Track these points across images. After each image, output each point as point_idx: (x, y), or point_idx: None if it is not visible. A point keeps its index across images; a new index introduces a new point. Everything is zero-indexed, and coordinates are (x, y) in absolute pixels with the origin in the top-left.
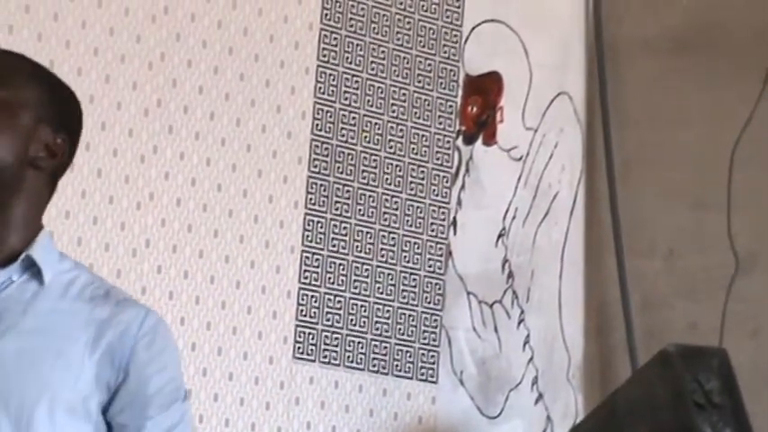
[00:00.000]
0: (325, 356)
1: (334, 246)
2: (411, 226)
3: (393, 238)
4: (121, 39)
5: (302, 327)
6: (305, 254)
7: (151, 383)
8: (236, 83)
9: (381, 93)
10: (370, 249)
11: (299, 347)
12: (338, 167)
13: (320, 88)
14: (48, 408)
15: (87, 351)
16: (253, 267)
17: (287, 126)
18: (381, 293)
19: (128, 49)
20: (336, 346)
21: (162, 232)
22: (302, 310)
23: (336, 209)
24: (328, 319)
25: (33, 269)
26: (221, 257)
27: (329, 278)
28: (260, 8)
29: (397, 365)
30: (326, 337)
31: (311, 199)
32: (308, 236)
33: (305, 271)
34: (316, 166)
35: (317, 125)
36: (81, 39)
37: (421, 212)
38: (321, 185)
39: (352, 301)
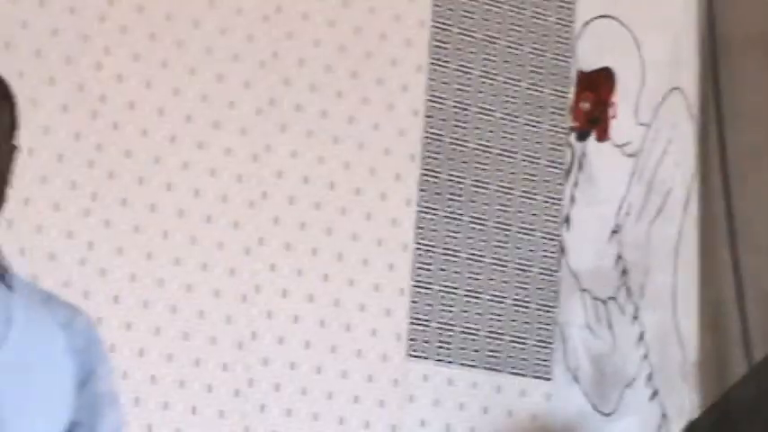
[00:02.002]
0: (438, 354)
1: (446, 243)
2: (524, 223)
3: (506, 234)
4: (234, 38)
5: (415, 324)
6: (418, 251)
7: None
8: (348, 80)
9: (493, 89)
10: (482, 246)
11: (412, 345)
12: (450, 164)
13: (432, 85)
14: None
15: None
16: (366, 265)
17: (399, 123)
18: (494, 290)
19: (240, 48)
20: (450, 343)
21: (275, 230)
22: (415, 308)
23: (449, 206)
24: (442, 317)
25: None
26: (334, 255)
27: (442, 275)
28: (371, 6)
29: (511, 362)
30: (440, 334)
31: (423, 196)
32: (420, 233)
33: (418, 268)
34: (428, 164)
35: (430, 122)
36: (193, 39)
37: (534, 209)
38: (433, 182)
39: (465, 299)
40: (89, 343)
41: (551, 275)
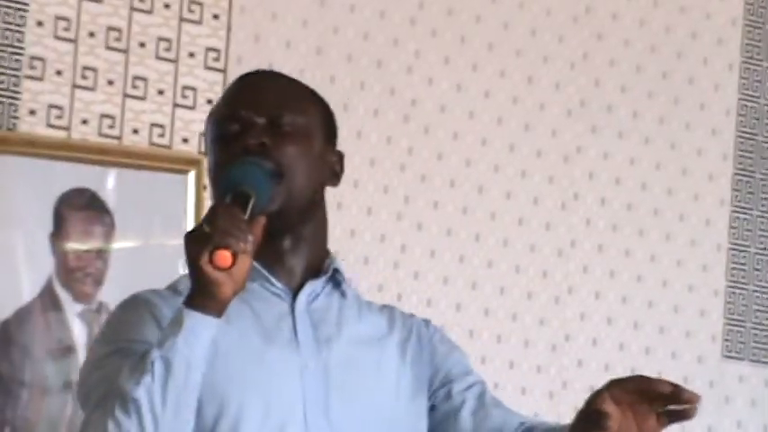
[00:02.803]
0: (754, 354)
1: (761, 242)
2: None
3: None
4: (543, 39)
5: (730, 325)
6: (731, 251)
7: (454, 356)
8: (659, 81)
9: None
10: None
11: (727, 346)
12: (764, 163)
13: (744, 84)
14: (371, 416)
15: (400, 357)
16: (679, 266)
17: (711, 123)
18: None
19: (550, 50)
20: (766, 343)
21: (587, 232)
22: (730, 309)
23: (763, 205)
24: (757, 317)
25: (333, 282)
26: (647, 256)
27: (757, 275)
28: (682, 5)
29: None
30: (755, 335)
31: (737, 196)
32: (734, 233)
33: (732, 269)
34: (741, 163)
35: (742, 122)
36: (503, 41)
37: None
38: (747, 182)
39: None
40: (420, 329)
41: None
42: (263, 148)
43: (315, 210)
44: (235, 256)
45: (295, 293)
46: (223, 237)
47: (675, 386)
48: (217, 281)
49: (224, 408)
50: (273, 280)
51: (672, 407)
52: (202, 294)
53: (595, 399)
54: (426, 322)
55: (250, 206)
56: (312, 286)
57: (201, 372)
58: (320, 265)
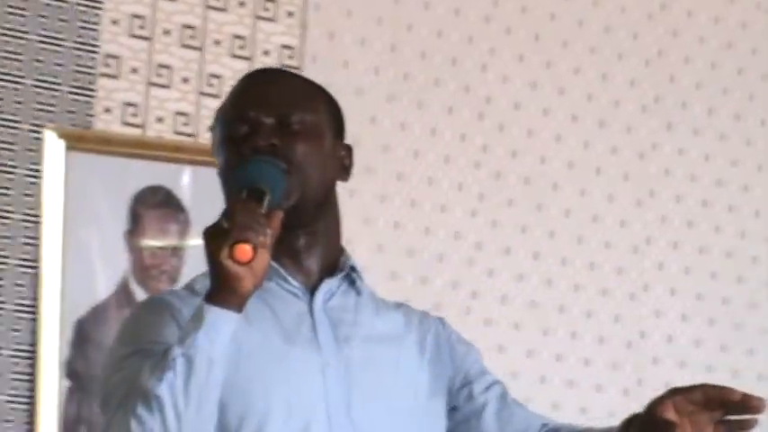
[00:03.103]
0: None
1: None
2: None
3: None
4: (618, 36)
5: None
6: None
7: (472, 356)
8: (734, 77)
9: None
10: None
11: None
12: None
13: None
14: (391, 414)
15: (418, 355)
16: (755, 263)
17: None
18: None
19: (624, 47)
20: None
21: (662, 229)
22: None
23: None
24: None
25: (348, 279)
26: (722, 253)
27: None
28: (758, 2)
29: None
30: None
31: None
32: None
33: None
34: None
35: None
36: (577, 38)
37: None
38: None
39: None
40: (438, 329)
41: None
42: (273, 148)
43: (328, 206)
44: (254, 249)
45: (311, 291)
46: (242, 231)
47: (744, 394)
48: (237, 275)
49: (248, 408)
50: (290, 278)
51: (734, 417)
52: (223, 289)
53: (657, 406)
54: (442, 321)
55: (266, 201)
56: (329, 285)
57: (223, 367)
58: (335, 263)
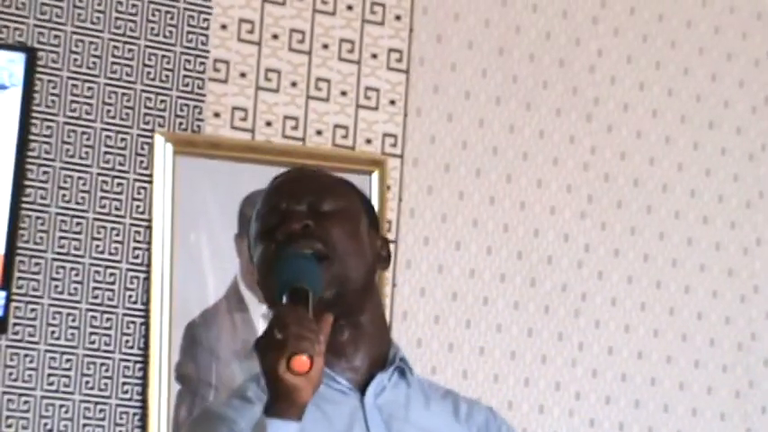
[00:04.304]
0: None
1: None
2: None
3: None
4: (727, 37)
5: None
6: None
7: None
8: None
9: None
10: None
11: None
12: None
13: None
14: None
15: None
16: None
17: None
18: None
19: (733, 47)
20: None
21: None
22: None
23: None
24: None
25: (399, 371)
26: None
27: None
28: None
29: None
30: None
31: None
32: None
33: None
34: None
35: None
36: (686, 38)
37: None
38: None
39: None
40: (489, 421)
41: None
42: (306, 230)
43: (370, 296)
44: (311, 359)
45: (362, 387)
46: (298, 342)
47: None
48: (297, 387)
49: None
50: (338, 378)
51: None
52: (283, 401)
53: None
54: (491, 410)
55: (311, 302)
56: (380, 379)
57: None
58: (383, 356)
